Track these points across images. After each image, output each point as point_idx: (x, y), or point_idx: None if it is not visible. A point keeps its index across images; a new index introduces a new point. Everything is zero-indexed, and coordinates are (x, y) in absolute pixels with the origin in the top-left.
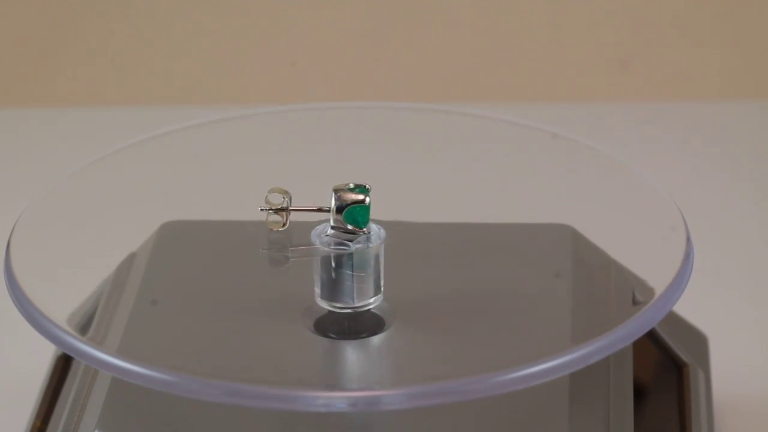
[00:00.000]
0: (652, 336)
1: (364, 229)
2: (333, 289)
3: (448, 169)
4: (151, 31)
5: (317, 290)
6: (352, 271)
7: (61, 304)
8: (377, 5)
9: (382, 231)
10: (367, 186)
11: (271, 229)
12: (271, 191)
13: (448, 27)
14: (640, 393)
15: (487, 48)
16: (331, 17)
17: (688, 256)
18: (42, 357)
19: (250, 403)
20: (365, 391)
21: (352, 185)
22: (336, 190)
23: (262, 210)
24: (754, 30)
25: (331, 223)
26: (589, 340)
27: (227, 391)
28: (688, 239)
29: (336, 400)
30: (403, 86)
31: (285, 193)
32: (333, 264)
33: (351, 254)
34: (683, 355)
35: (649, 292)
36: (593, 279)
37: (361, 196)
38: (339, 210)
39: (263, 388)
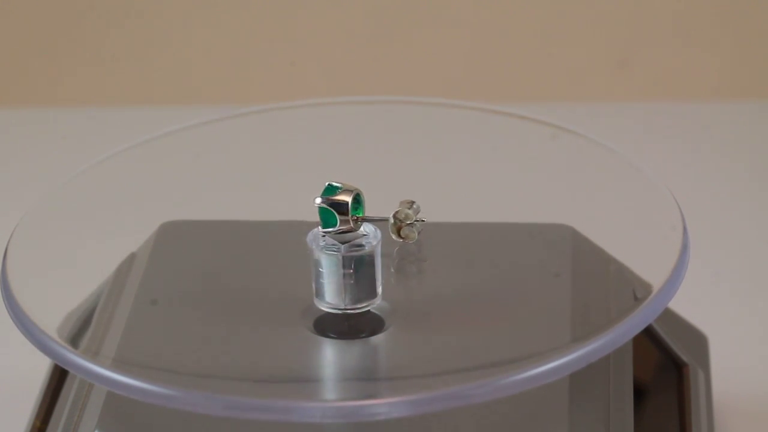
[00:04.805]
0: (652, 336)
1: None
2: (331, 289)
3: (447, 168)
4: (151, 31)
5: (315, 290)
6: (350, 272)
7: (60, 305)
8: (377, 5)
9: (378, 231)
10: (339, 184)
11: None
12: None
13: (448, 27)
14: (640, 393)
15: (487, 48)
16: (331, 17)
17: (685, 248)
18: (42, 357)
19: (250, 416)
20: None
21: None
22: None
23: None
24: (753, 30)
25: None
26: (589, 337)
27: (226, 405)
28: (685, 230)
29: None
30: (403, 86)
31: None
32: (330, 264)
33: (348, 254)
34: (683, 355)
35: (650, 291)
36: (593, 279)
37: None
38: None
39: (261, 401)
